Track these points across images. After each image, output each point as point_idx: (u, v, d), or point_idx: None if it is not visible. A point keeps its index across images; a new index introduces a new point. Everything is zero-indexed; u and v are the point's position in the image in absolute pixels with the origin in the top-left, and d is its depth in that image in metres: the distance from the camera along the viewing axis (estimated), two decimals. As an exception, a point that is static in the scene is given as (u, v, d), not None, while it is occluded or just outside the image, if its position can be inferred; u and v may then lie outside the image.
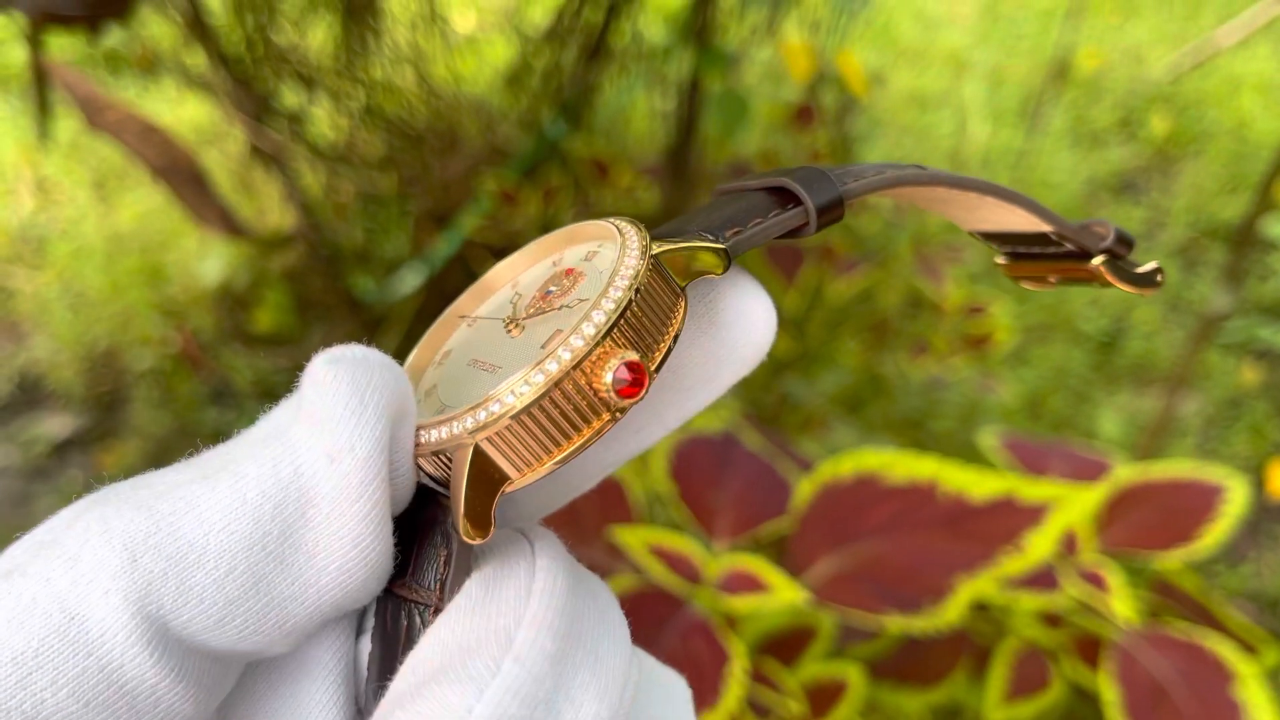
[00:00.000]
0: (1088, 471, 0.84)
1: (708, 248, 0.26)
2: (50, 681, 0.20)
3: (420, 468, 0.25)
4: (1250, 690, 0.72)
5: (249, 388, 2.05)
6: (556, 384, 0.23)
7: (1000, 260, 0.34)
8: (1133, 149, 2.61)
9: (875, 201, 1.76)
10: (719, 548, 0.65)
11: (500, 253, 0.26)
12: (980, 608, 0.82)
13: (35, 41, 1.09)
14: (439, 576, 0.24)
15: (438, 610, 0.24)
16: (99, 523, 0.21)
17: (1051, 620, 0.81)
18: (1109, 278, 0.31)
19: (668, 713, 0.25)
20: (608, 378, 0.23)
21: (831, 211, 0.28)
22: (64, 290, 2.36)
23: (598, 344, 0.23)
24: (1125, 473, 0.82)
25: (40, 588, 0.20)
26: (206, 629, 0.21)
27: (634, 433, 0.28)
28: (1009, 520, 0.60)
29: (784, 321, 1.70)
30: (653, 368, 0.24)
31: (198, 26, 1.60)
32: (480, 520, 0.23)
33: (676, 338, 0.25)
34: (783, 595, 0.56)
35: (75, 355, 2.21)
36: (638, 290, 0.24)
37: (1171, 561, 0.77)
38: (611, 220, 0.27)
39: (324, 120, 1.99)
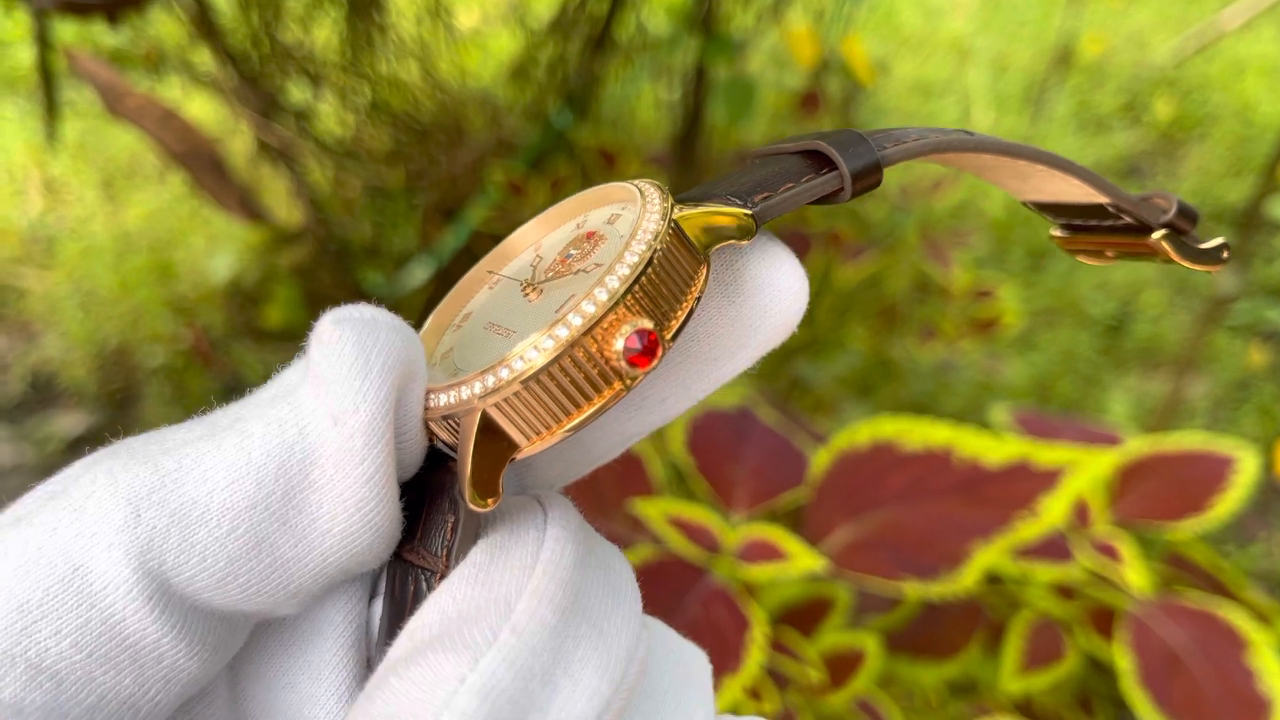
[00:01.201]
0: (1099, 444, 0.85)
1: (733, 212, 0.25)
2: (54, 631, 0.20)
3: (432, 432, 0.25)
4: (1265, 658, 0.73)
5: (261, 383, 2.06)
6: (566, 351, 0.22)
7: (1056, 233, 0.33)
8: (1137, 133, 2.61)
9: (882, 187, 1.77)
10: (737, 518, 0.66)
11: (658, 183, 0.25)
12: (994, 580, 0.83)
13: (44, 42, 1.10)
14: (445, 543, 0.24)
15: (443, 577, 0.23)
16: (105, 475, 0.21)
17: (1065, 592, 0.82)
18: (1171, 254, 0.30)
19: (684, 687, 0.24)
20: (619, 345, 0.22)
21: (868, 177, 0.27)
22: (74, 289, 2.37)
23: (610, 310, 0.22)
24: (1137, 444, 0.83)
25: (46, 537, 0.20)
26: (209, 587, 0.21)
27: (658, 402, 0.27)
28: (1024, 485, 0.61)
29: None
30: (668, 336, 0.23)
31: (204, 24, 1.61)
32: (486, 487, 0.22)
33: (696, 305, 0.24)
34: (801, 563, 0.57)
35: (87, 353, 2.23)
36: (655, 255, 0.23)
37: (1183, 532, 0.78)
38: (635, 182, 0.26)
39: (331, 116, 2.00)
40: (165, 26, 1.88)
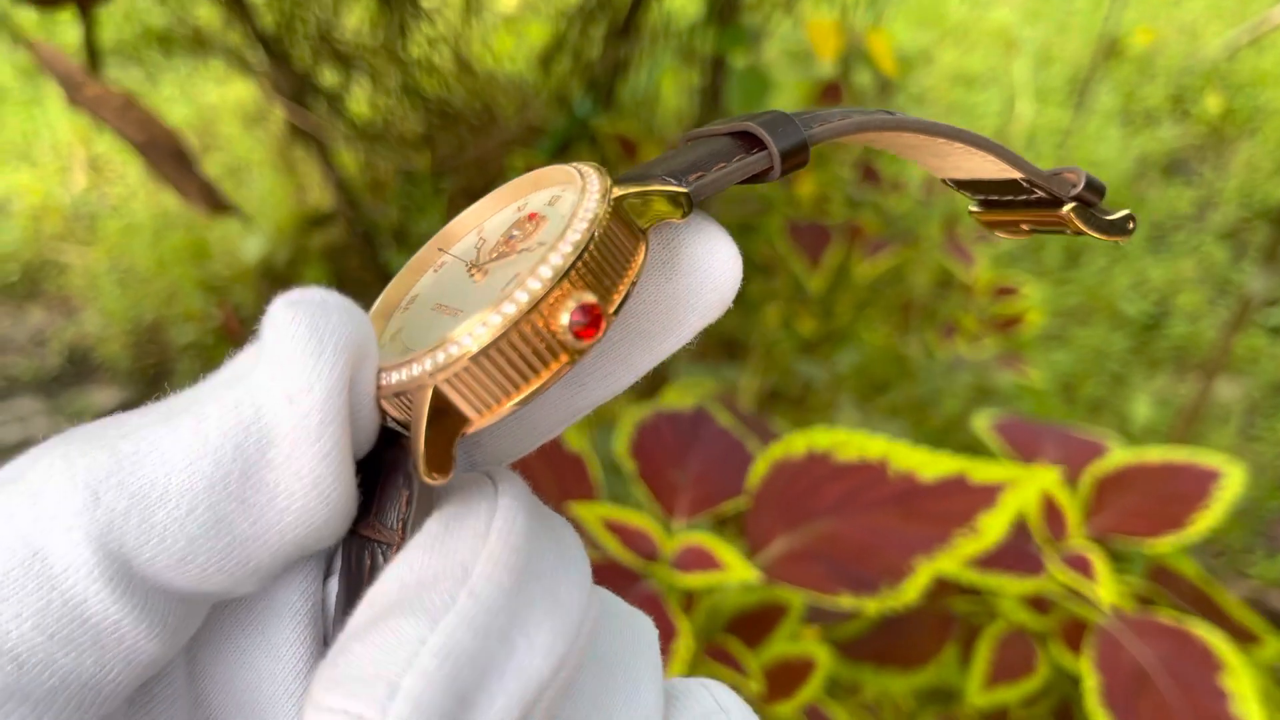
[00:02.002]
0: (1082, 454, 0.83)
1: (669, 191, 0.26)
2: (15, 614, 0.20)
3: (384, 410, 0.25)
4: (1238, 679, 0.71)
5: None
6: (514, 326, 0.23)
7: (973, 208, 0.34)
8: (1185, 128, 2.55)
9: (905, 180, 1.74)
10: (678, 525, 0.66)
11: (597, 164, 0.26)
12: (969, 591, 0.82)
13: (89, 21, 1.12)
14: (401, 516, 0.24)
15: (399, 549, 0.24)
16: (61, 460, 0.21)
17: (1040, 605, 0.80)
18: (1079, 224, 0.31)
19: (633, 651, 0.25)
20: (564, 319, 0.23)
21: (796, 156, 0.28)
22: (113, 266, 2.42)
23: (555, 286, 0.23)
24: (1119, 456, 0.80)
25: (3, 524, 0.20)
26: (169, 567, 0.21)
27: (602, 378, 0.28)
28: (962, 501, 0.59)
29: (810, 301, 1.69)
30: (610, 310, 0.24)
31: (236, 5, 1.63)
32: (440, 461, 0.23)
33: (636, 281, 0.25)
34: (735, 573, 0.56)
35: (122, 329, 2.27)
36: (596, 233, 0.24)
37: (1162, 547, 0.76)
38: (574, 165, 0.27)
39: (362, 99, 2.01)
40: (208, 10, 1.90)
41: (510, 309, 0.23)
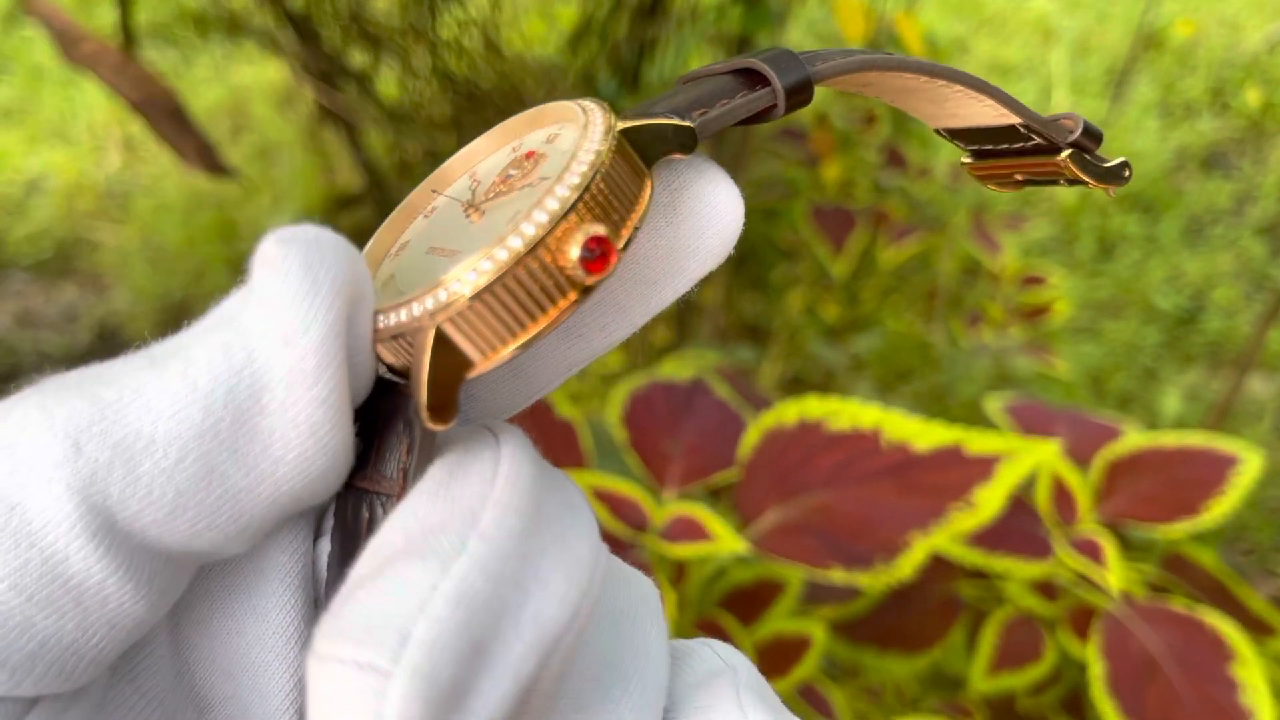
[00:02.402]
0: (1095, 437, 0.81)
1: (673, 124, 0.25)
2: None
3: (379, 356, 0.24)
4: (1249, 669, 0.69)
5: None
6: (520, 260, 0.22)
7: (966, 160, 0.33)
8: (1224, 121, 2.50)
9: (932, 165, 1.71)
10: (669, 495, 0.64)
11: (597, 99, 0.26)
12: (976, 574, 0.80)
13: (125, 2, 1.12)
14: (401, 465, 0.23)
15: (400, 498, 0.23)
16: (38, 410, 0.19)
17: (1048, 590, 0.79)
18: (1075, 170, 0.31)
19: (639, 607, 0.25)
20: (574, 253, 0.22)
21: (800, 94, 0.27)
22: (144, 244, 2.44)
23: (563, 218, 0.22)
24: (1134, 439, 0.78)
25: None
26: (157, 522, 0.20)
27: (599, 329, 0.26)
28: (956, 472, 0.58)
29: (833, 286, 1.68)
30: (619, 244, 0.23)
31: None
32: (444, 406, 0.22)
33: (643, 218, 0.24)
34: (724, 545, 0.55)
35: (151, 307, 2.28)
36: (603, 166, 0.23)
37: (1174, 533, 0.74)
38: (575, 100, 0.26)
39: (391, 81, 2.01)
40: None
41: (516, 243, 0.22)
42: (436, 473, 0.22)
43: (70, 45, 0.67)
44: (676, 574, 0.63)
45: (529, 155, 0.26)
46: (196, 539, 0.21)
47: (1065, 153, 0.30)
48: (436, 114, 2.05)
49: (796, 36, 1.69)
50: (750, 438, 0.63)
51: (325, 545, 0.25)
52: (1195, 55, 2.65)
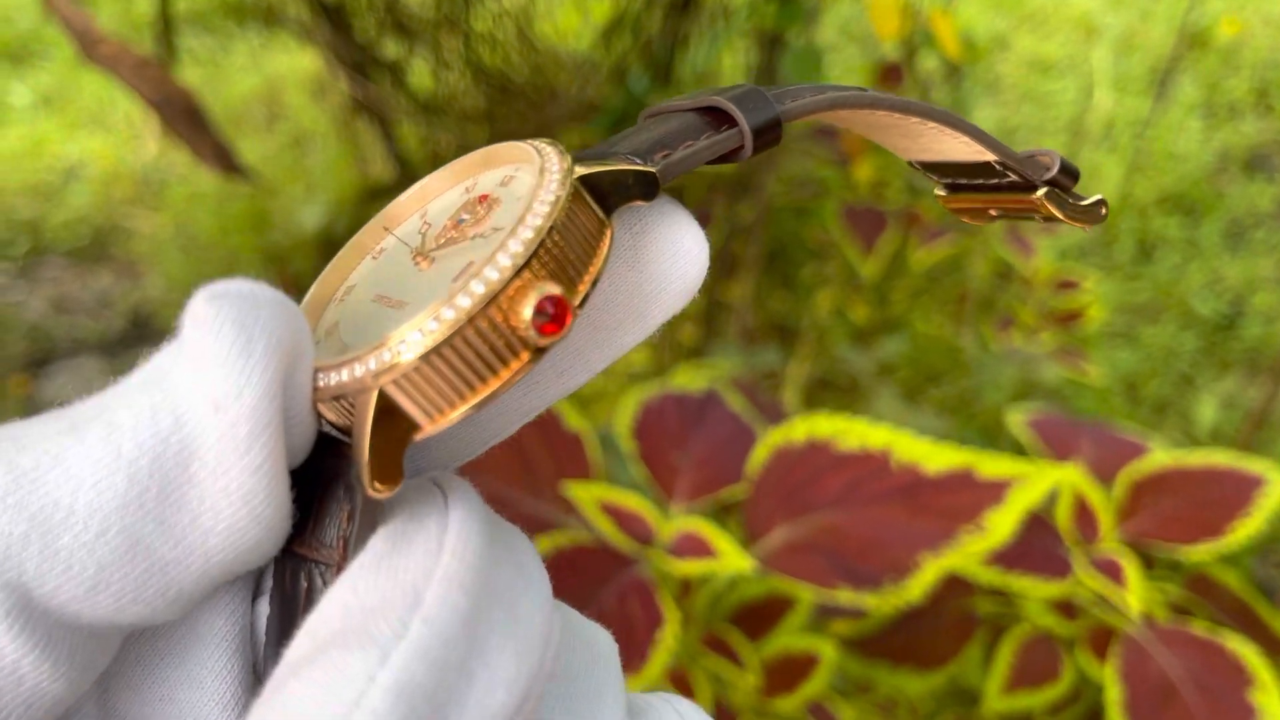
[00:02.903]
0: (1120, 454, 0.79)
1: (634, 170, 0.24)
2: None
3: (321, 414, 0.23)
4: (1269, 695, 0.67)
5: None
6: (470, 320, 0.20)
7: (940, 193, 0.33)
8: (1268, 123, 2.45)
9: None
10: (676, 509, 0.63)
11: (553, 140, 0.25)
12: (994, 591, 0.78)
13: None
14: (341, 533, 0.22)
15: (340, 569, 0.21)
16: None
17: (1067, 609, 0.77)
18: (1050, 208, 0.30)
19: (593, 667, 0.24)
20: (527, 313, 0.21)
21: (769, 133, 0.26)
22: (178, 232, 2.45)
23: (516, 275, 0.21)
24: (1159, 458, 0.76)
25: None
26: (76, 598, 0.19)
27: (556, 375, 0.25)
28: (967, 496, 0.56)
29: (863, 288, 1.66)
30: (576, 302, 0.22)
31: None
32: (387, 472, 0.21)
33: (602, 270, 0.23)
34: (730, 563, 0.54)
35: (184, 295, 2.28)
36: (558, 217, 0.22)
37: (1198, 554, 0.72)
38: (530, 142, 0.25)
39: (424, 72, 2.01)
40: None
41: (466, 302, 0.20)
42: (378, 543, 0.20)
43: (90, 46, 0.67)
44: (682, 590, 0.62)
45: (482, 199, 0.25)
46: (121, 613, 0.20)
47: (1041, 190, 0.30)
48: (469, 106, 2.05)
49: (829, 35, 1.67)
50: (759, 455, 0.62)
51: (264, 606, 0.24)
52: (1240, 55, 2.60)
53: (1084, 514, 0.74)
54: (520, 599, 0.20)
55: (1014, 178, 0.30)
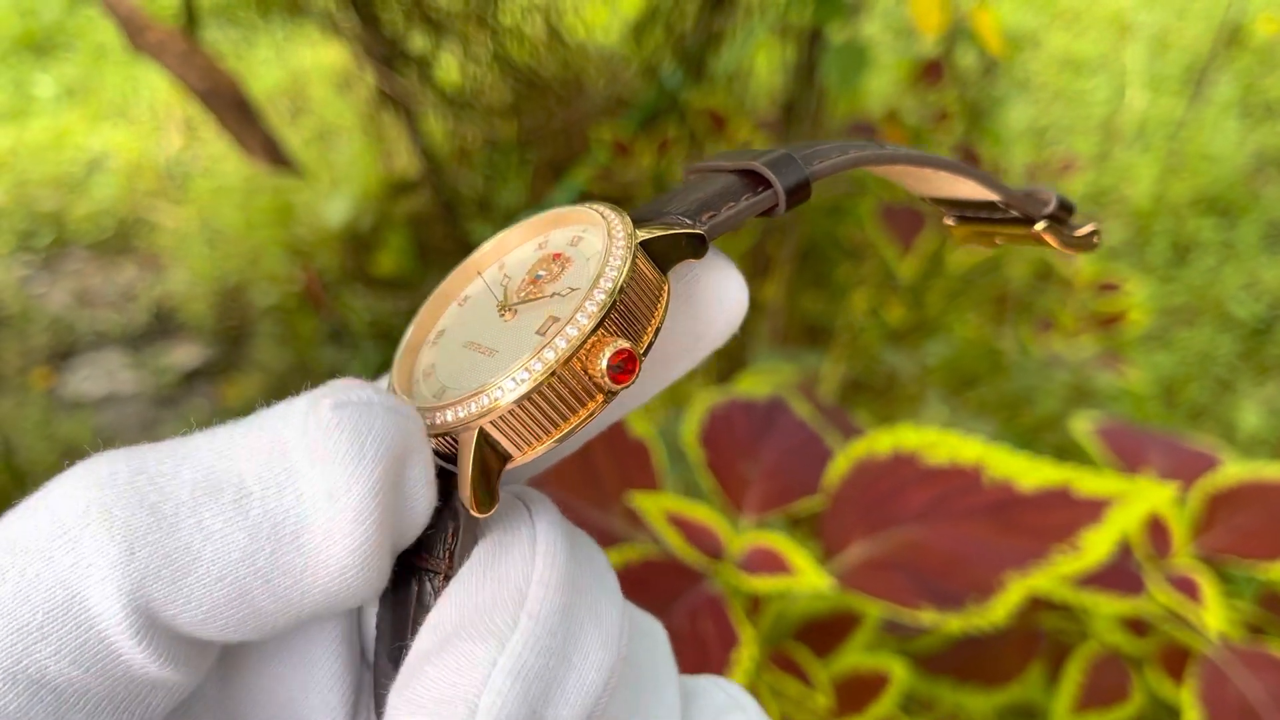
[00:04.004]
0: (1191, 466, 0.76)
1: (687, 234, 0.27)
2: (54, 651, 0.21)
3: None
4: (1355, 722, 0.64)
5: (365, 329, 2.08)
6: (554, 372, 0.25)
7: (949, 221, 0.36)
8: (1307, 123, 2.41)
9: (1005, 165, 1.66)
10: (746, 522, 0.61)
11: (614, 204, 0.29)
12: (1059, 607, 0.76)
13: None
14: (448, 546, 0.26)
15: (447, 576, 0.26)
16: (100, 510, 0.22)
17: (1137, 627, 0.74)
18: (1050, 240, 0.33)
19: (653, 655, 0.28)
20: (602, 365, 0.25)
21: (799, 193, 0.29)
22: (202, 226, 2.44)
23: (592, 334, 0.25)
24: (1234, 470, 0.74)
25: (43, 565, 0.21)
26: (192, 624, 0.22)
27: (617, 404, 0.29)
28: (1063, 514, 0.54)
29: (899, 288, 1.63)
30: (641, 352, 0.26)
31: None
32: (486, 496, 0.25)
33: (663, 321, 0.27)
34: (807, 580, 0.51)
35: (208, 289, 2.28)
36: (626, 280, 0.26)
37: (1277, 572, 0.69)
38: (595, 206, 0.29)
39: (451, 66, 1.99)
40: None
41: (551, 355, 0.25)
42: (481, 554, 0.25)
43: (136, 33, 0.66)
44: (752, 606, 0.60)
45: (555, 257, 0.29)
46: (227, 637, 0.23)
47: (1041, 224, 0.33)
48: (496, 101, 2.03)
49: (872, 28, 1.64)
50: (839, 466, 0.60)
51: (372, 604, 0.28)
52: (1277, 54, 2.56)
53: (1157, 528, 0.72)
54: (600, 596, 0.24)
55: (1016, 214, 0.34)
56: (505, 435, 0.25)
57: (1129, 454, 0.77)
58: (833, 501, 0.59)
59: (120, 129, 2.71)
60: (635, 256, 0.26)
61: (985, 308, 1.66)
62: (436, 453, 0.27)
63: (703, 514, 0.57)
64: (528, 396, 0.25)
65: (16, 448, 1.86)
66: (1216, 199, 2.27)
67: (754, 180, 0.30)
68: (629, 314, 0.26)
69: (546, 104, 2.02)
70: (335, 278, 2.21)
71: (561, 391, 0.25)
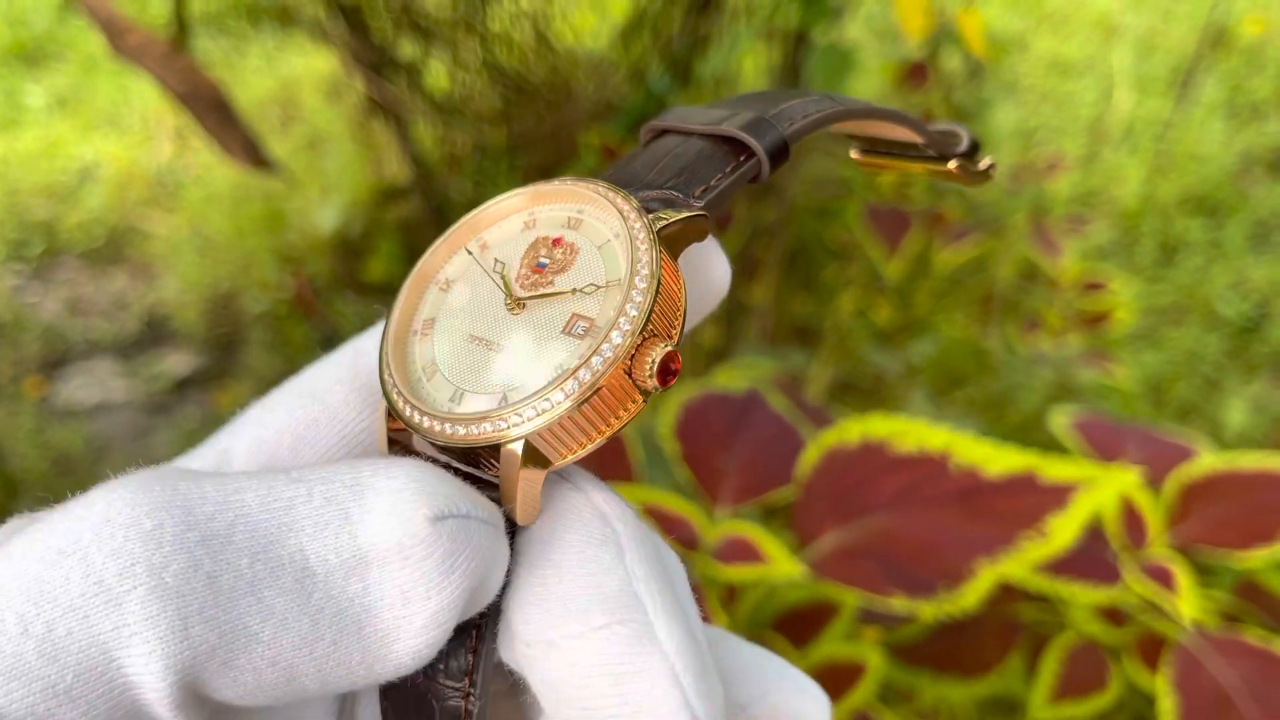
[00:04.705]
0: (1167, 457, 0.77)
1: (698, 218, 0.27)
2: (80, 714, 0.20)
3: (446, 461, 0.26)
4: (1329, 708, 0.65)
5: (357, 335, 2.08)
6: (603, 382, 0.24)
7: (855, 154, 0.37)
8: (1293, 123, 2.43)
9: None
10: (722, 513, 0.62)
11: (599, 180, 0.29)
12: (1036, 597, 0.76)
13: None
14: (464, 668, 0.25)
15: (467, 697, 0.25)
16: (148, 571, 0.20)
17: (1114, 616, 0.75)
18: (958, 175, 0.35)
19: (808, 710, 0.28)
20: (648, 370, 0.25)
21: (781, 156, 0.29)
22: (193, 234, 2.44)
23: (636, 340, 0.25)
24: (1209, 461, 0.74)
25: (77, 623, 0.20)
26: (231, 698, 0.22)
27: None
28: (1030, 500, 0.54)
29: (886, 289, 1.64)
30: (676, 345, 0.26)
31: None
32: (533, 506, 0.25)
33: (686, 308, 0.27)
34: (780, 568, 0.52)
35: (199, 297, 2.29)
36: (660, 283, 0.25)
37: (1252, 561, 0.70)
38: (585, 183, 0.28)
39: (441, 73, 2.00)
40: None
41: (599, 363, 0.24)
42: (565, 550, 0.25)
43: (117, 36, 0.66)
44: (728, 595, 0.60)
45: (556, 242, 0.28)
46: (253, 704, 0.23)
47: (952, 163, 0.35)
48: (485, 107, 2.04)
49: (855, 31, 1.65)
50: (810, 456, 0.60)
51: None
52: (1264, 55, 2.58)
53: (1132, 518, 0.72)
54: (684, 588, 0.25)
55: (934, 153, 0.35)
56: (550, 444, 0.25)
57: (1105, 446, 0.78)
58: (805, 491, 0.59)
59: (111, 138, 2.72)
60: (660, 255, 0.26)
61: (971, 308, 1.67)
62: (452, 465, 0.26)
63: (678, 505, 0.57)
64: (576, 407, 0.24)
65: (9, 456, 1.86)
66: (1204, 199, 2.28)
67: (733, 146, 0.29)
68: (664, 315, 0.26)
69: (535, 109, 2.03)
70: (326, 284, 2.21)
71: (608, 399, 0.25)
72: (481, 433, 0.25)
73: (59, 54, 2.97)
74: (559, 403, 0.24)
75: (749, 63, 1.74)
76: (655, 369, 0.25)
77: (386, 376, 0.28)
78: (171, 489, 0.21)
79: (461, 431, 0.25)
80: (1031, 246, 1.56)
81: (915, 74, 1.55)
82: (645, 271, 0.25)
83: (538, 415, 0.24)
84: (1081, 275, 1.56)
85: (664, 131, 0.31)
